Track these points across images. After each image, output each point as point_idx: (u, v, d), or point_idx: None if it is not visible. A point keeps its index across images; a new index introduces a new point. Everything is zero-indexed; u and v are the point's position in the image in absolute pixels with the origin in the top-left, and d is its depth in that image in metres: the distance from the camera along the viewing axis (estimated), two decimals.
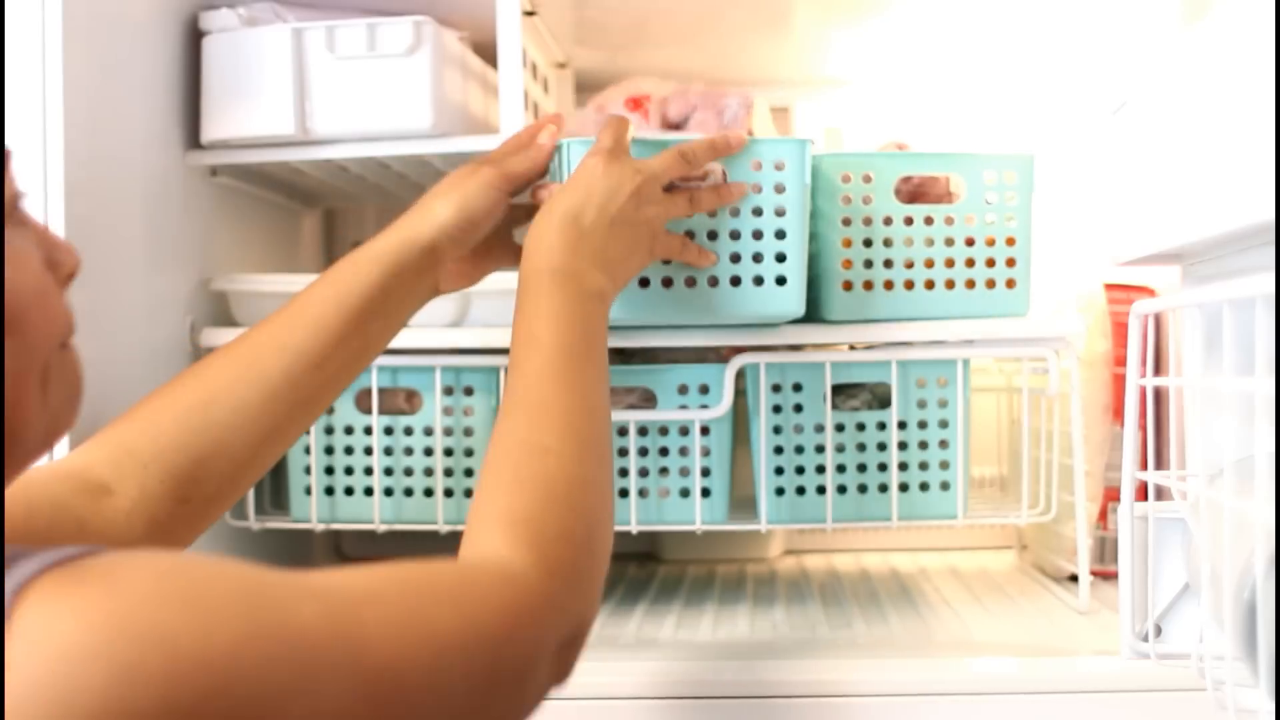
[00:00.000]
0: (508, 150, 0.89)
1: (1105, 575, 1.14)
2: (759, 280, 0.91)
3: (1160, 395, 0.94)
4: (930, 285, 1.00)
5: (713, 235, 0.91)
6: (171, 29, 1.07)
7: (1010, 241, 1.00)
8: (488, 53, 1.08)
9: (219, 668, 0.40)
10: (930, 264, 1.00)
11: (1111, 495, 1.14)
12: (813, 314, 0.98)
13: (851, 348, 1.08)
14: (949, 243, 1.00)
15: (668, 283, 0.91)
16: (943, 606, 1.10)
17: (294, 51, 1.03)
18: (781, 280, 0.91)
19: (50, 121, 0.87)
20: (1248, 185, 0.66)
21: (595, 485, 0.66)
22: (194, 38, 1.08)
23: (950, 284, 1.00)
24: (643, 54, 1.30)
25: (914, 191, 1.01)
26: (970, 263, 1.00)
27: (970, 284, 1.00)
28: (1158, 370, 0.95)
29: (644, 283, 0.91)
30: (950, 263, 1.00)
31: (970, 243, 1.00)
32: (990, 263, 1.00)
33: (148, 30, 1.03)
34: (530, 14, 1.12)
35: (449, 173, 1.22)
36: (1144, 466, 0.82)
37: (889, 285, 0.99)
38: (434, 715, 0.49)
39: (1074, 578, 1.07)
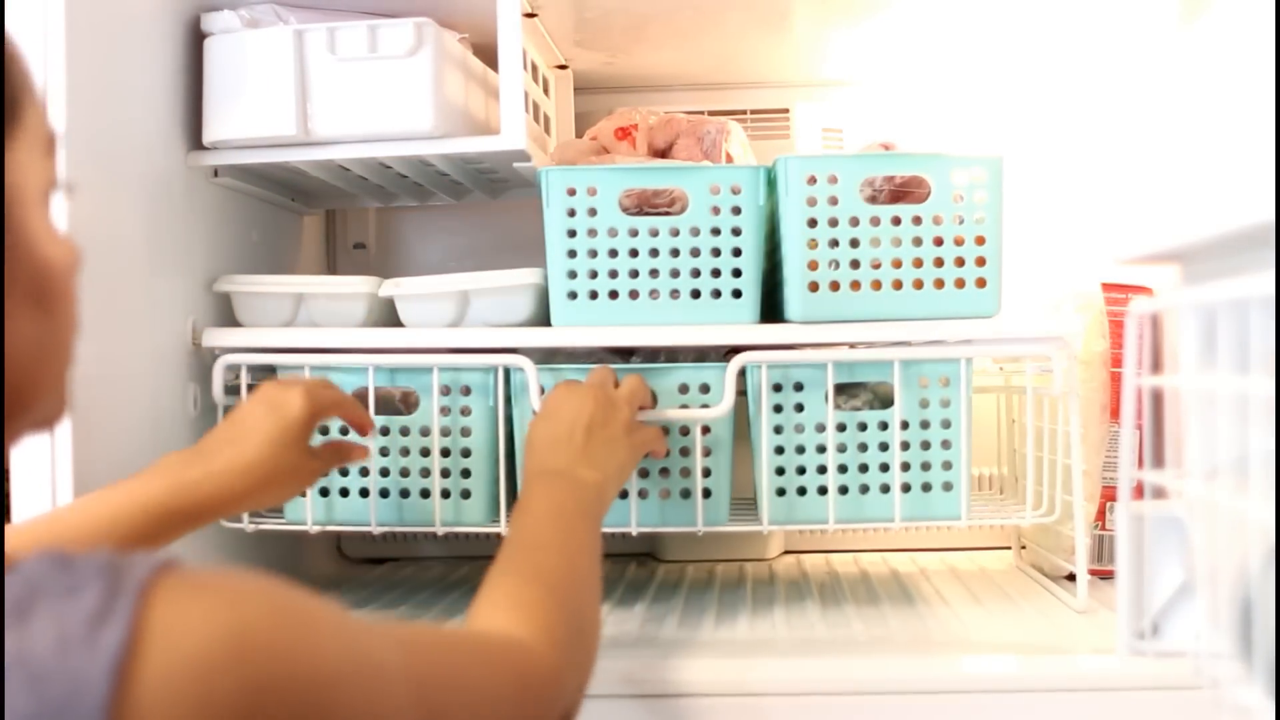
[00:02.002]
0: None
1: (1103, 574, 1.14)
2: (716, 293, 1.02)
3: (1158, 395, 0.94)
4: (898, 285, 1.01)
5: (679, 252, 1.02)
6: (173, 31, 1.07)
7: (980, 241, 1.01)
8: (488, 54, 1.08)
9: (325, 689, 0.47)
10: (898, 264, 1.00)
11: (1109, 494, 1.14)
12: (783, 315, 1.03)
13: (852, 348, 1.09)
14: (917, 242, 1.00)
15: (634, 295, 1.02)
16: (941, 606, 1.10)
17: (295, 53, 1.04)
18: (737, 294, 1.02)
19: (52, 122, 0.87)
20: (1248, 185, 0.66)
21: (586, 589, 0.75)
22: (196, 39, 1.08)
23: (919, 284, 1.01)
24: (642, 56, 1.30)
25: (897, 192, 1.01)
26: (939, 262, 1.01)
27: (939, 284, 1.01)
28: (1155, 370, 0.95)
29: (611, 294, 0.97)
30: (919, 263, 1.00)
31: (939, 242, 1.00)
32: (960, 262, 1.01)
33: (150, 32, 1.03)
34: (530, 16, 1.12)
35: (449, 175, 1.22)
36: (1141, 466, 0.82)
37: (855, 286, 1.01)
38: None
39: (1072, 577, 1.08)
